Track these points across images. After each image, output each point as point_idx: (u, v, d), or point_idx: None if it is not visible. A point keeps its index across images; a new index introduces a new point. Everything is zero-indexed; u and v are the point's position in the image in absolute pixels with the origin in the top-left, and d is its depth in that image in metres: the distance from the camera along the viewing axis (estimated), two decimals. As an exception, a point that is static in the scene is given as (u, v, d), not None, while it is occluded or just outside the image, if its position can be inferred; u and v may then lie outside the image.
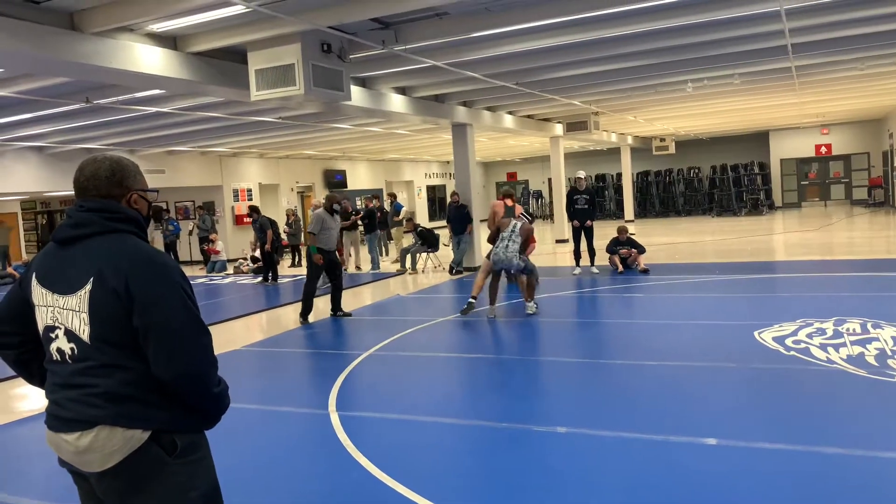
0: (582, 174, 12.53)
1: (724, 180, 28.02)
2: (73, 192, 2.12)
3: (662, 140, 25.05)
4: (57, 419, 1.98)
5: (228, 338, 8.42)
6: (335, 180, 24.64)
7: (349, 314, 9.48)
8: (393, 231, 17.30)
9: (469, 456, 4.36)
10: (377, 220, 15.86)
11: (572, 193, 12.29)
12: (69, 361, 1.98)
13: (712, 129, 24.40)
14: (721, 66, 10.95)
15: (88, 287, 1.95)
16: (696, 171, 29.16)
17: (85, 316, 1.95)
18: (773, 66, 11.08)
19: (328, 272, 9.31)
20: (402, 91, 11.48)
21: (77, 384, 1.95)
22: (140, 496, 1.96)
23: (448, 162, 31.04)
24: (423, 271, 14.59)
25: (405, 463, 4.16)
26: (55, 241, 2.07)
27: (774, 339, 6.47)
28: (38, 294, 2.06)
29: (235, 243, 19.82)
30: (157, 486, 1.96)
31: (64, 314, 1.99)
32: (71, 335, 1.97)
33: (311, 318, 9.19)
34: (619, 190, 28.90)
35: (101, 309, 1.93)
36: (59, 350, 2.00)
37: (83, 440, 1.91)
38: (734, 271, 11.23)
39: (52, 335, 2.01)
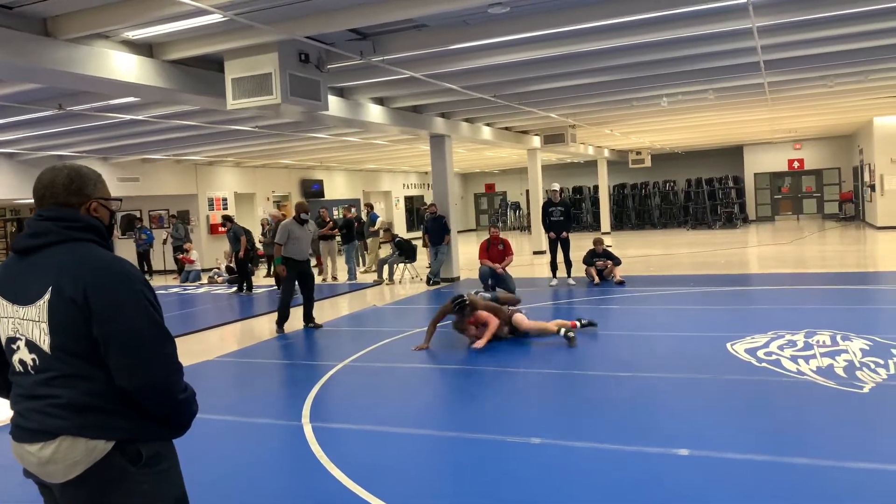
0: (556, 186, 12.63)
1: (700, 194, 28.38)
2: (34, 204, 2.09)
3: (638, 153, 25.33)
4: (20, 430, 1.96)
5: (202, 348, 8.32)
6: (312, 190, 24.53)
7: (319, 325, 9.29)
8: (368, 241, 17.26)
9: (443, 467, 4.35)
10: (355, 230, 15.81)
11: (548, 205, 12.38)
12: (31, 372, 1.96)
13: (687, 143, 24.74)
14: (695, 82, 11.12)
15: (47, 297, 1.92)
16: (672, 184, 29.50)
17: (45, 326, 1.92)
18: (746, 81, 11.28)
19: (300, 283, 9.07)
20: (380, 101, 11.50)
21: (40, 395, 1.93)
22: None
23: (426, 172, 31.07)
24: (400, 282, 14.56)
25: (379, 475, 4.13)
26: (14, 251, 2.05)
27: (746, 350, 6.55)
28: (0, 305, 2.03)
29: (210, 253, 19.61)
30: (121, 497, 1.93)
31: (24, 325, 1.96)
32: (32, 346, 1.95)
33: (286, 329, 9.12)
34: (595, 202, 29.14)
35: (60, 319, 1.91)
36: (22, 361, 1.97)
37: (45, 451, 1.89)
38: (708, 283, 11.36)
39: (14, 346, 1.99)
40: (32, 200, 2.13)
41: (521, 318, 7.65)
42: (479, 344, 7.33)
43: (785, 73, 10.66)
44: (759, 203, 28.55)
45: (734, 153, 28.28)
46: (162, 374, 1.95)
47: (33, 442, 1.91)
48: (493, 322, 7.46)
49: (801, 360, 6.05)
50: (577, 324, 7.77)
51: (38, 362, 1.94)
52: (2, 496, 4.19)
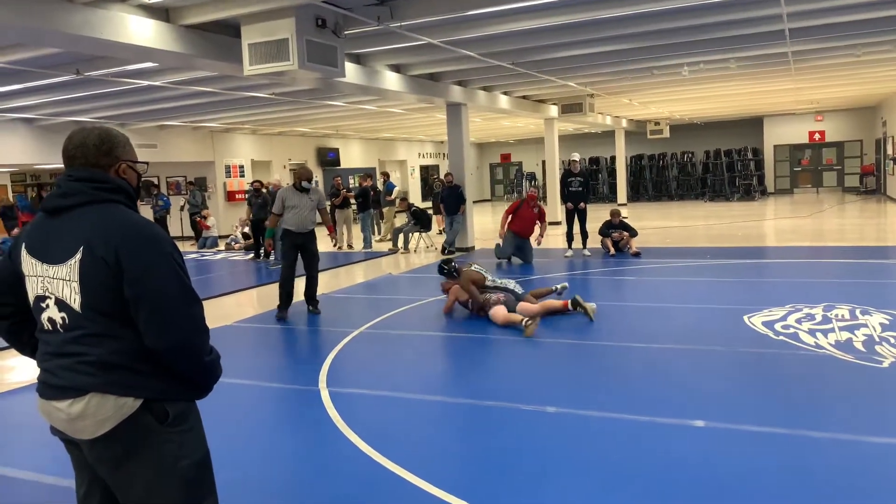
0: (577, 156, 12.52)
1: (718, 165, 28.04)
2: (62, 165, 2.10)
3: (657, 124, 25.01)
4: (49, 387, 2.00)
5: (220, 313, 8.40)
6: (328, 158, 24.51)
7: (317, 312, 8.20)
8: (384, 210, 17.26)
9: (457, 433, 4.39)
10: (370, 199, 15.80)
11: (567, 176, 12.28)
12: (60, 330, 1.98)
13: (707, 113, 24.38)
14: (717, 51, 10.91)
15: (78, 256, 1.94)
16: (690, 155, 29.16)
17: (76, 285, 1.95)
18: (769, 51, 11.05)
19: (302, 259, 8.06)
20: (396, 69, 11.39)
21: (69, 352, 1.96)
22: (131, 463, 1.97)
23: (442, 142, 30.91)
24: (415, 251, 14.58)
25: (394, 439, 4.18)
26: (44, 210, 2.07)
27: (764, 323, 6.52)
28: (28, 264, 2.05)
29: (227, 220, 19.72)
30: (148, 453, 1.98)
31: (54, 284, 1.98)
32: (62, 304, 1.97)
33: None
34: (612, 173, 28.90)
35: (91, 278, 1.93)
36: (51, 319, 2.00)
37: (75, 407, 1.93)
38: (725, 256, 11.28)
39: (43, 305, 2.01)
40: (51, 165, 2.14)
41: (496, 313, 7.17)
42: (445, 309, 7.71)
43: (811, 41, 10.43)
44: (778, 175, 28.18)
45: (754, 124, 27.86)
46: (189, 336, 1.99)
47: (62, 399, 1.95)
48: (454, 292, 7.58)
49: (819, 334, 6.02)
50: (569, 305, 7.32)
51: (67, 321, 1.97)
52: (22, 455, 4.28)
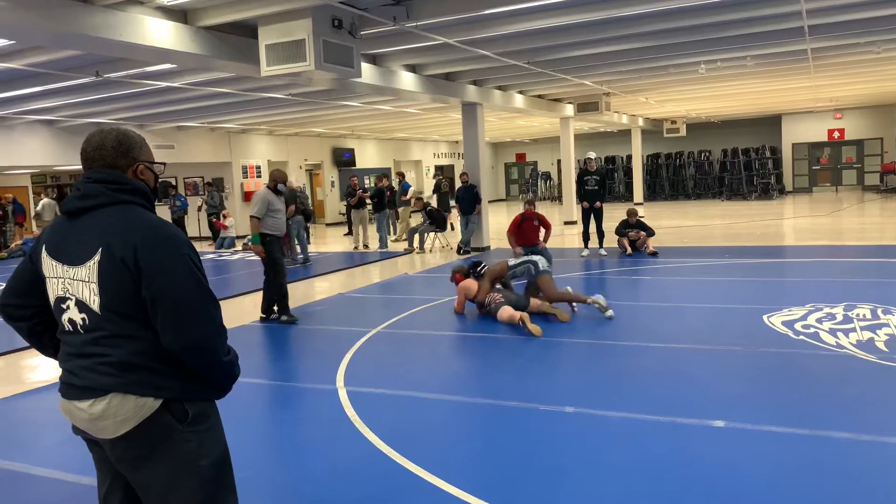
0: (592, 155, 12.46)
1: (735, 164, 27.80)
2: (82, 166, 2.12)
3: (673, 122, 24.84)
4: (70, 387, 2.01)
5: (237, 313, 8.45)
6: (343, 158, 24.59)
7: (294, 320, 7.81)
8: (400, 210, 17.28)
9: (476, 433, 4.38)
10: (386, 199, 15.83)
11: (583, 174, 12.23)
12: (81, 331, 1.99)
13: (724, 112, 24.19)
14: (735, 48, 10.82)
15: (97, 258, 1.96)
16: (707, 154, 28.94)
17: (94, 286, 1.96)
18: (788, 48, 10.94)
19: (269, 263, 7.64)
20: (412, 69, 11.40)
21: (89, 353, 1.98)
22: (151, 463, 1.99)
23: (457, 142, 30.92)
24: (430, 251, 14.59)
25: (412, 439, 4.18)
26: (64, 212, 2.09)
27: (783, 323, 6.46)
28: (49, 266, 2.07)
29: (245, 220, 19.79)
30: (168, 453, 1.99)
31: (74, 285, 2.00)
32: (82, 305, 1.99)
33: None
34: (628, 172, 28.75)
35: (109, 279, 1.94)
36: (71, 320, 2.01)
37: (96, 407, 1.94)
38: (743, 255, 11.18)
39: (64, 306, 2.03)
40: (71, 167, 2.16)
41: (504, 316, 7.11)
42: (456, 307, 7.78)
43: (831, 38, 10.31)
44: (797, 174, 27.89)
45: (772, 123, 27.59)
46: (206, 336, 2.00)
47: (84, 399, 1.96)
48: (471, 295, 7.62)
49: (840, 334, 5.95)
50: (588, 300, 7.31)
51: (87, 321, 1.98)
52: (45, 453, 4.33)
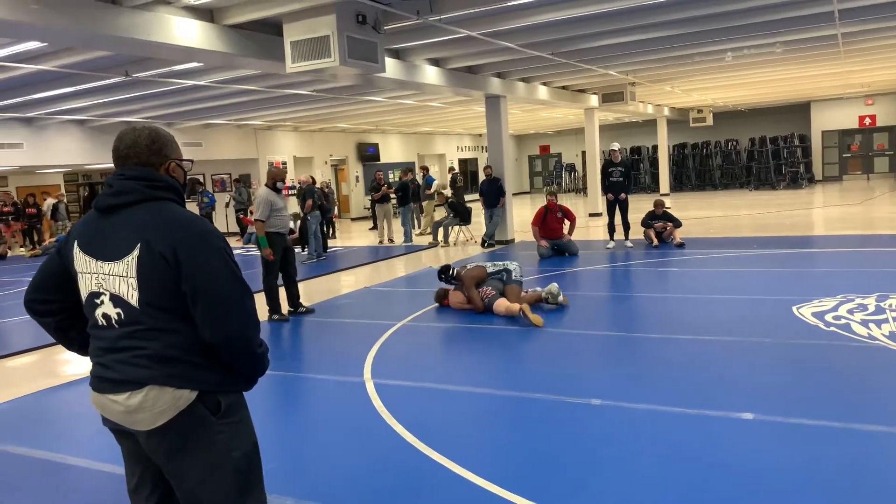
0: (616, 146, 12.36)
1: (763, 153, 27.38)
2: (113, 165, 2.16)
3: (700, 111, 24.53)
4: (104, 381, 2.04)
5: (264, 307, 8.55)
6: (368, 153, 24.70)
7: (311, 310, 8.17)
8: (424, 204, 17.33)
9: (503, 425, 4.41)
10: (410, 192, 15.88)
11: (607, 166, 12.14)
12: (116, 326, 2.02)
13: (751, 100, 23.82)
14: (762, 35, 10.65)
15: (136, 253, 1.99)
16: (734, 143, 28.55)
17: (133, 281, 1.99)
18: (817, 33, 10.74)
19: (282, 260, 7.83)
20: (435, 63, 11.41)
21: (124, 347, 2.01)
22: (186, 454, 2.03)
23: (480, 135, 30.84)
24: (454, 244, 14.62)
25: (439, 431, 4.22)
26: (97, 209, 2.11)
27: (814, 314, 6.37)
28: (81, 261, 2.09)
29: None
30: (203, 444, 2.03)
31: (110, 280, 2.03)
32: (117, 300, 2.02)
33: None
34: (654, 163, 28.45)
35: (149, 274, 1.98)
36: (105, 315, 2.04)
37: (133, 400, 1.97)
38: (772, 246, 11.04)
39: (98, 301, 2.05)
40: (102, 165, 2.20)
41: (497, 305, 7.25)
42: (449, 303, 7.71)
43: (861, 22, 10.10)
44: (827, 162, 27.39)
45: (801, 110, 27.11)
46: (245, 328, 2.04)
47: (119, 392, 1.99)
48: (467, 305, 7.55)
49: (872, 325, 5.86)
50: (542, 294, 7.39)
51: (123, 316, 2.02)
52: (79, 444, 4.44)
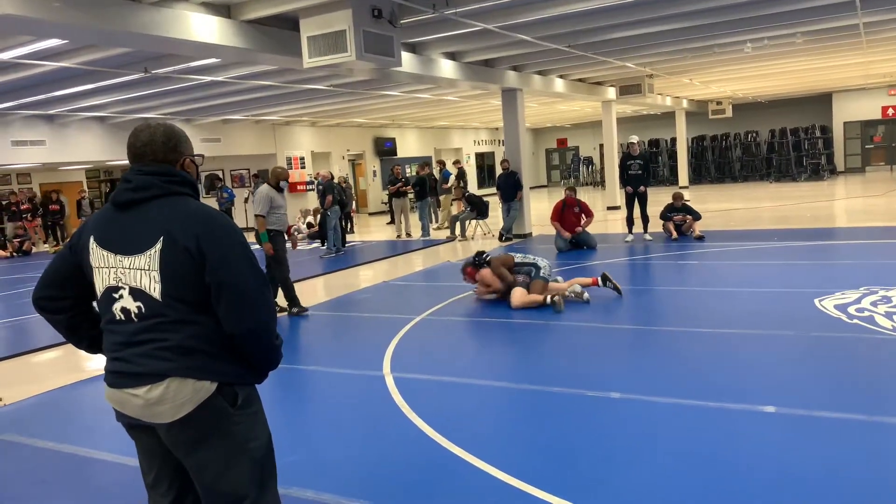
0: (635, 139, 12.27)
1: (784, 144, 27.07)
2: (130, 161, 2.18)
3: (719, 103, 24.28)
4: (122, 375, 2.04)
5: (284, 302, 8.60)
6: (385, 148, 24.73)
7: (305, 310, 7.93)
8: (441, 198, 17.33)
9: (522, 419, 4.40)
10: (427, 187, 15.89)
11: (626, 159, 12.06)
12: (135, 320, 2.03)
13: (772, 91, 23.53)
14: (782, 25, 10.51)
15: (158, 246, 2.01)
16: (754, 135, 28.24)
17: (155, 274, 2.01)
18: (839, 23, 10.58)
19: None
20: (451, 56, 11.39)
21: (145, 340, 2.01)
22: (206, 445, 2.05)
23: (497, 128, 30.76)
24: (472, 238, 14.61)
25: (459, 424, 4.22)
26: (115, 204, 2.12)
27: (836, 306, 6.30)
28: (98, 256, 2.10)
29: (290, 210, 20.10)
30: (222, 436, 2.05)
31: (130, 274, 2.04)
32: (138, 294, 2.02)
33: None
34: (673, 155, 28.25)
35: (171, 267, 2.00)
36: (124, 309, 2.05)
37: (154, 392, 1.99)
38: (793, 238, 10.92)
39: (116, 295, 2.06)
40: (123, 161, 2.21)
41: (515, 296, 7.29)
42: (476, 293, 7.83)
43: (884, 11, 9.94)
44: (849, 153, 27.02)
45: (822, 101, 26.75)
46: (265, 319, 2.07)
47: (139, 385, 2.00)
48: (496, 284, 7.57)
49: (896, 317, 5.79)
50: (599, 281, 7.47)
51: (143, 309, 2.03)
52: (103, 438, 4.50)
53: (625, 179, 12.04)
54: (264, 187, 7.79)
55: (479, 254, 7.86)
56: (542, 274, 7.47)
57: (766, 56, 13.95)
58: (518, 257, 7.74)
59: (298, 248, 15.26)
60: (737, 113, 25.91)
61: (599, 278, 7.52)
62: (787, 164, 26.66)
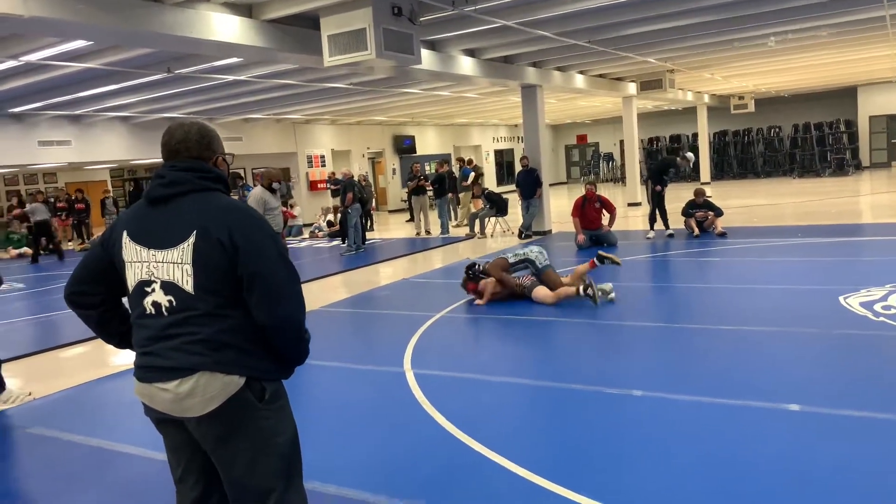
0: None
1: (807, 139, 26.70)
2: (157, 160, 2.23)
3: (741, 98, 24.01)
4: (152, 370, 2.07)
5: (307, 298, 8.67)
6: (404, 146, 24.78)
7: None
8: (461, 196, 17.33)
9: (542, 416, 4.41)
10: (447, 184, 15.90)
11: (670, 165, 12.09)
12: (165, 313, 2.06)
13: (795, 85, 23.22)
14: (807, 18, 10.37)
15: (192, 240, 2.05)
16: (777, 130, 27.89)
17: (188, 267, 2.04)
18: (864, 15, 10.42)
19: None
20: (471, 53, 11.39)
21: (175, 334, 2.04)
22: (234, 439, 2.08)
23: (516, 125, 30.67)
24: (491, 235, 14.60)
25: (480, 421, 4.23)
26: (148, 199, 2.16)
27: (862, 304, 6.22)
28: (131, 251, 2.13)
29: (310, 208, 20.29)
30: (250, 430, 2.08)
31: (162, 268, 2.07)
32: (169, 287, 2.06)
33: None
34: (694, 151, 27.96)
35: (205, 260, 2.03)
36: (155, 303, 2.08)
37: (184, 386, 2.02)
38: (817, 234, 10.78)
39: (148, 289, 2.09)
40: (146, 160, 2.25)
41: (540, 295, 7.32)
42: (480, 302, 7.54)
43: (911, 4, 9.77)
44: (874, 148, 26.58)
45: (847, 95, 26.33)
46: (296, 311, 2.12)
47: (170, 379, 2.03)
48: (488, 285, 7.53)
49: (923, 314, 5.70)
50: (596, 261, 7.42)
51: (174, 303, 2.06)
52: (132, 432, 4.57)
53: (661, 181, 11.80)
54: (258, 189, 7.78)
55: (471, 266, 7.78)
56: (541, 265, 7.52)
57: (789, 50, 13.77)
58: (511, 257, 7.73)
59: (318, 245, 15.35)
60: (759, 107, 25.61)
61: (595, 258, 7.48)
62: (810, 160, 26.30)
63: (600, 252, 7.61)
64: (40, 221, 15.41)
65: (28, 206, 16.06)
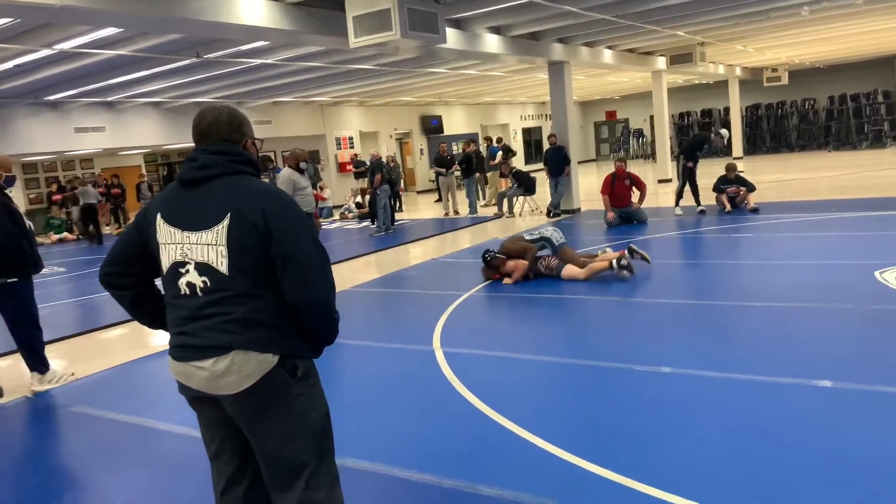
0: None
1: (843, 111, 26.03)
2: (189, 144, 2.28)
3: (774, 70, 23.45)
4: (187, 348, 2.12)
5: (337, 279, 8.77)
6: (431, 125, 24.73)
7: None
8: (489, 175, 17.29)
9: (571, 393, 4.43)
10: (474, 164, 15.87)
11: (704, 142, 11.96)
12: (199, 294, 2.11)
13: (830, 56, 22.58)
14: (843, -14, 10.08)
15: (226, 222, 2.10)
16: (812, 102, 27.22)
17: (223, 249, 2.09)
18: (903, -18, 10.10)
19: None
20: (496, 31, 11.29)
21: (210, 314, 2.09)
22: (269, 416, 2.14)
23: (544, 103, 30.38)
24: (520, 214, 14.57)
25: (509, 399, 4.28)
26: (181, 181, 2.21)
27: (897, 278, 6.12)
28: (165, 232, 2.18)
29: (340, 190, 20.43)
30: (284, 407, 2.14)
31: (196, 249, 2.12)
32: (203, 268, 2.10)
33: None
34: (726, 125, 27.43)
35: (240, 242, 2.08)
36: (190, 284, 2.13)
37: (219, 364, 2.07)
38: (853, 208, 10.57)
39: (182, 270, 2.13)
40: (178, 145, 2.30)
41: (571, 272, 7.34)
42: (508, 281, 7.57)
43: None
44: (916, 119, 25.82)
45: (885, 65, 25.55)
46: (328, 291, 2.17)
47: (205, 358, 2.08)
48: (521, 266, 7.55)
49: (961, 288, 5.58)
50: (626, 254, 7.31)
51: (209, 284, 2.11)
52: (168, 411, 4.71)
53: (695, 158, 11.69)
54: (286, 171, 7.79)
55: (485, 254, 7.81)
56: (558, 243, 7.60)
57: (824, 19, 13.39)
58: (526, 237, 7.79)
59: (348, 227, 15.47)
60: (793, 80, 24.99)
61: (626, 251, 7.40)
62: (846, 132, 25.66)
63: (631, 245, 7.58)
64: (89, 205, 15.78)
65: (78, 189, 16.43)
